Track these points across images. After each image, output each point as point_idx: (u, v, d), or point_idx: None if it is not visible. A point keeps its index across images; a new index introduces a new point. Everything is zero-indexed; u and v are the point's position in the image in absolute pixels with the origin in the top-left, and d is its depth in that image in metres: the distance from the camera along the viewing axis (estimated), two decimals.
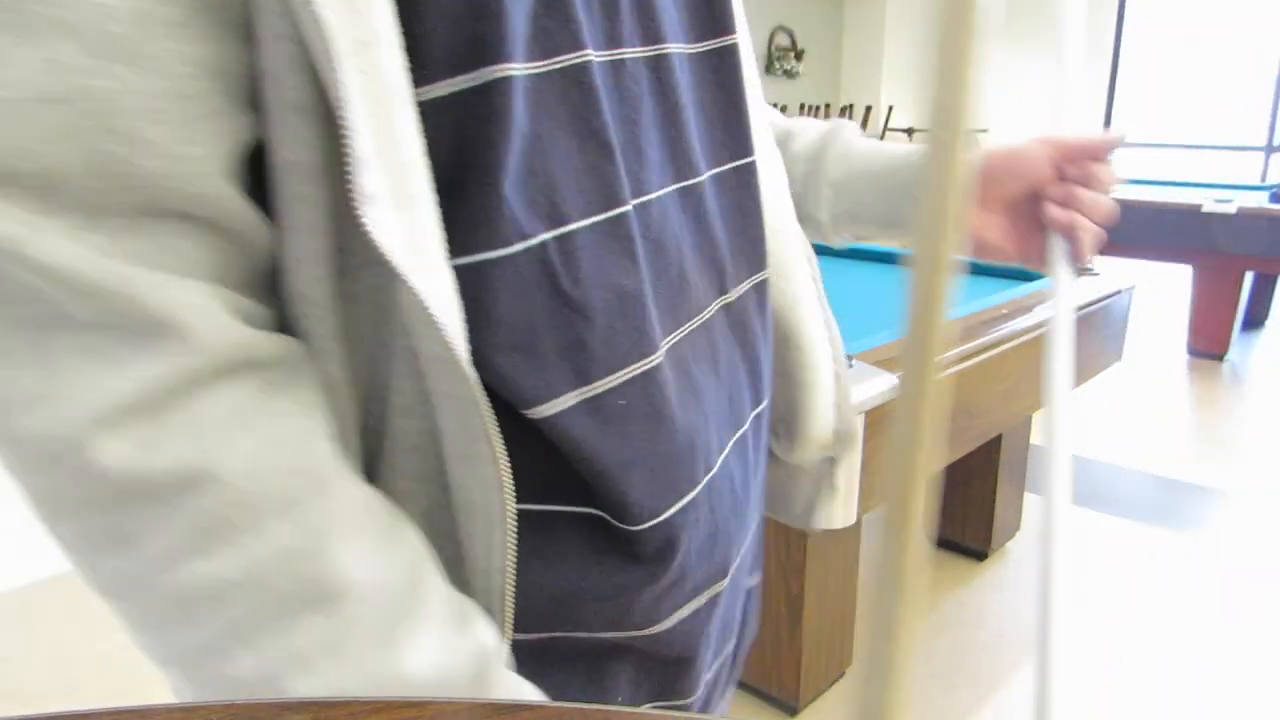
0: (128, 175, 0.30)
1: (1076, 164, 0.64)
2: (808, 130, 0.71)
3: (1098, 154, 0.64)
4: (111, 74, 0.29)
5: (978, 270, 2.41)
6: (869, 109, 7.78)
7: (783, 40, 7.39)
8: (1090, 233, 0.62)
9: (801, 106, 7.47)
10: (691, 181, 0.48)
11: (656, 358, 0.43)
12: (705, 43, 0.50)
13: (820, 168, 0.69)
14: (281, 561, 0.33)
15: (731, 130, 0.52)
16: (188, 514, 0.32)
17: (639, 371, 0.42)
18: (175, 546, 0.32)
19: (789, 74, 7.44)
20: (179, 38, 0.31)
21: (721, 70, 0.51)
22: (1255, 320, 4.64)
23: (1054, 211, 0.63)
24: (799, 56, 7.49)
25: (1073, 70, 0.64)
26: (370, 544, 0.36)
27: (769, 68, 7.25)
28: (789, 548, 1.63)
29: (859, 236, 0.71)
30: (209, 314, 0.33)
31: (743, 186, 0.52)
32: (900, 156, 0.68)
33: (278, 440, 0.34)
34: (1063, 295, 0.59)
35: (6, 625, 2.04)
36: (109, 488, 0.31)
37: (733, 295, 0.51)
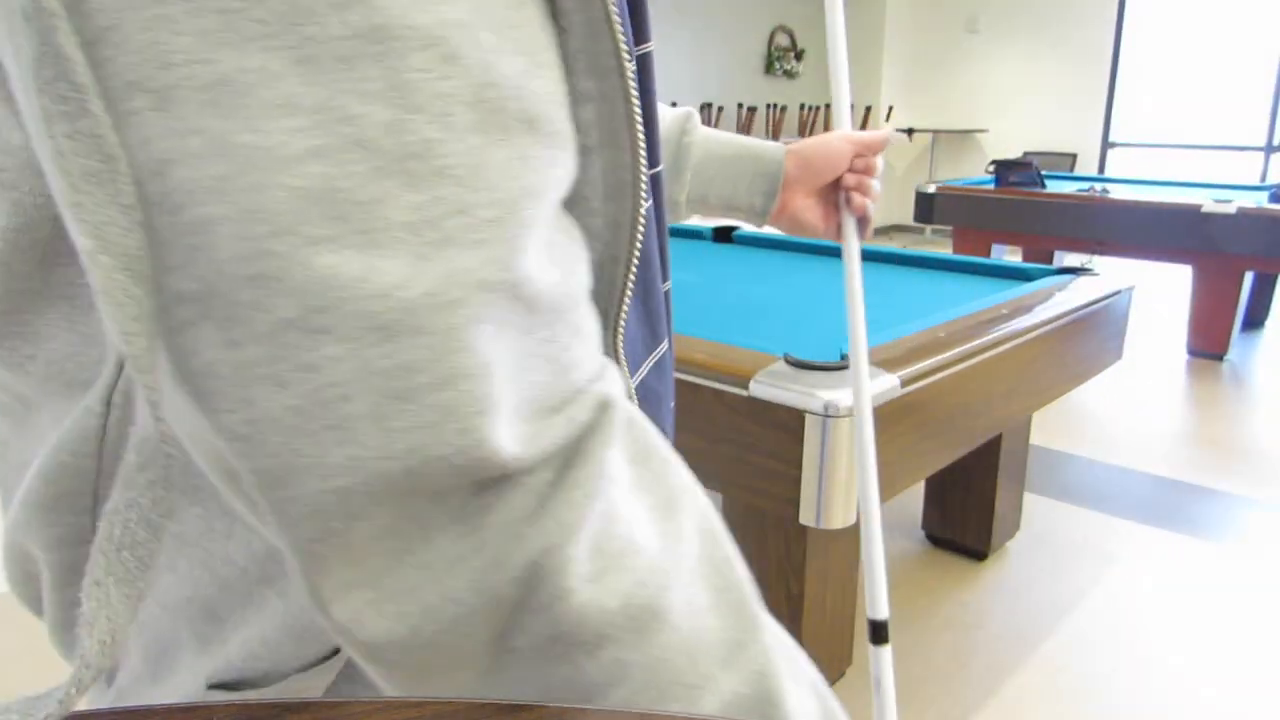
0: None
1: (863, 157, 0.79)
2: (664, 116, 0.76)
3: (878, 148, 0.79)
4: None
5: (978, 270, 2.41)
6: (869, 109, 7.78)
7: (783, 40, 7.38)
8: (872, 210, 0.81)
9: (801, 107, 7.47)
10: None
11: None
12: (639, 48, 0.52)
13: (681, 153, 0.77)
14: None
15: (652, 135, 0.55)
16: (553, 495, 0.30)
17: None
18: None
19: (789, 74, 7.43)
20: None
21: (644, 76, 0.53)
22: (1255, 320, 4.65)
23: (854, 196, 0.80)
24: (799, 56, 7.49)
25: (841, 73, 0.80)
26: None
27: (769, 68, 7.25)
28: (789, 547, 1.63)
29: (703, 216, 0.81)
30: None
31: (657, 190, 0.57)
32: (742, 144, 0.79)
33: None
34: (853, 260, 0.83)
35: (6, 625, 2.04)
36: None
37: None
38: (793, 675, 0.33)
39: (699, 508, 0.33)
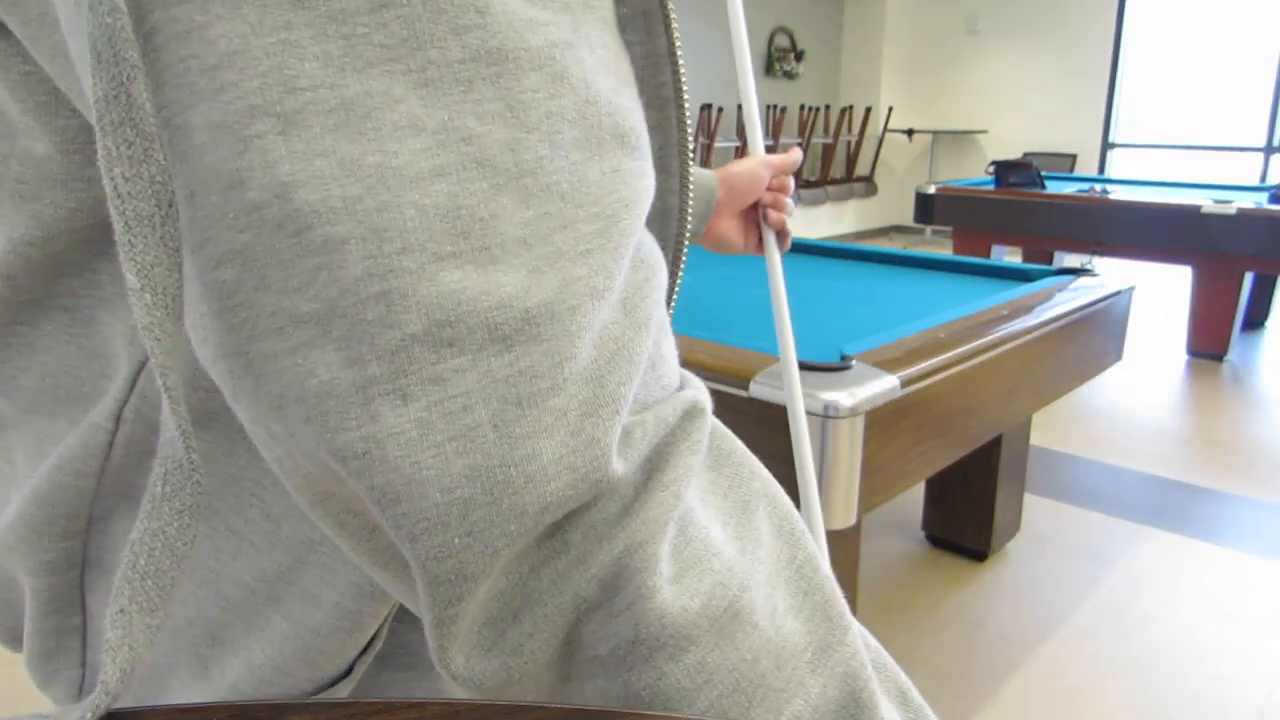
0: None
1: (778, 177, 0.90)
2: None
3: (790, 169, 0.89)
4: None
5: (978, 271, 2.41)
6: (869, 109, 7.78)
7: (783, 41, 7.38)
8: (789, 225, 0.92)
9: (801, 107, 7.47)
10: None
11: None
12: None
13: None
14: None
15: None
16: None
17: None
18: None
19: (789, 75, 7.43)
20: None
21: None
22: (1255, 321, 4.65)
23: (770, 213, 0.90)
24: (799, 57, 7.49)
25: (751, 100, 0.92)
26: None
27: (769, 68, 7.25)
28: None
29: None
30: None
31: None
32: None
33: None
34: (775, 270, 0.91)
35: None
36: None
37: None
38: (880, 682, 0.33)
39: (778, 511, 0.33)
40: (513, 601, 0.28)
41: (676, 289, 0.40)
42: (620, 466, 0.27)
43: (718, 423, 0.33)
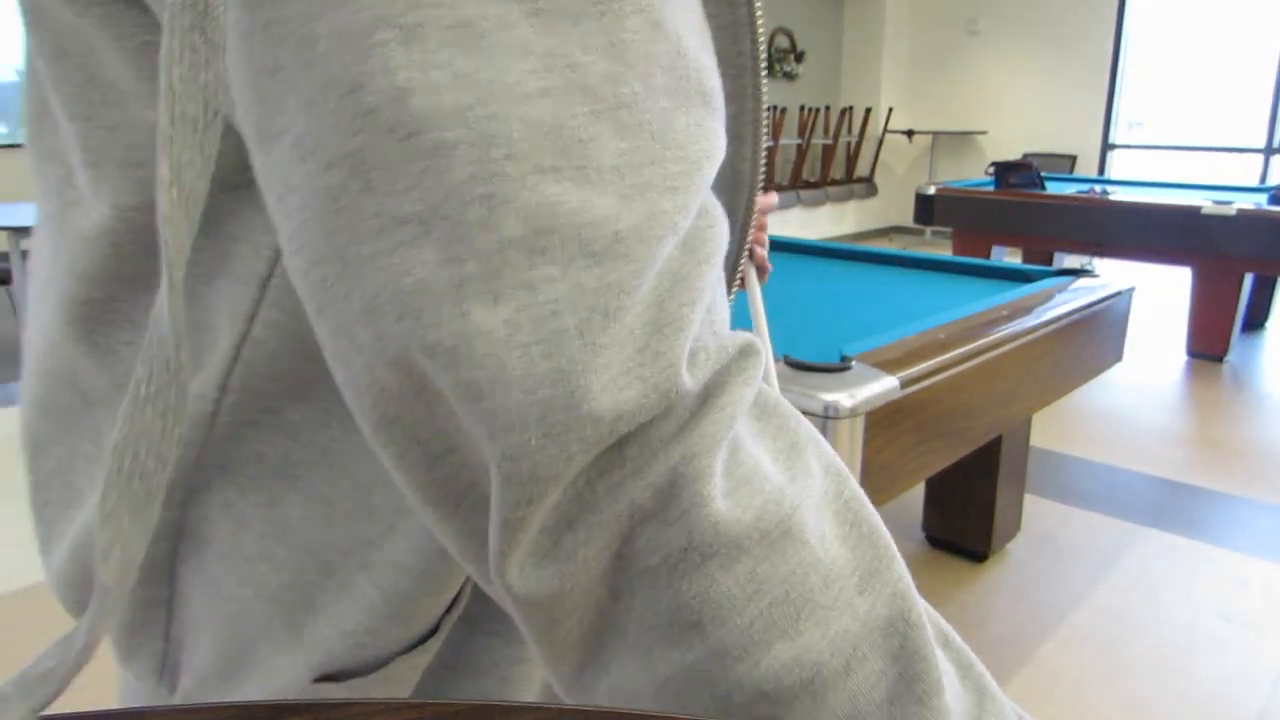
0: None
1: (758, 218, 0.95)
2: None
3: (768, 210, 0.89)
4: None
5: (978, 272, 2.41)
6: (869, 110, 7.78)
7: (782, 42, 7.39)
8: (768, 263, 0.97)
9: (801, 108, 7.47)
10: None
11: None
12: None
13: None
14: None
15: None
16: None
17: None
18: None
19: (789, 75, 7.44)
20: None
21: None
22: (1255, 322, 4.65)
23: (755, 249, 0.94)
24: (799, 58, 7.50)
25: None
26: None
27: (769, 70, 7.24)
28: None
29: None
30: None
31: None
32: None
33: None
34: (756, 301, 0.97)
35: (6, 625, 2.04)
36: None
37: None
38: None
39: (825, 453, 0.34)
40: (568, 511, 0.28)
41: (742, 255, 0.41)
42: (689, 381, 0.29)
43: (762, 383, 0.34)
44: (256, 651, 0.41)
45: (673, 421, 0.29)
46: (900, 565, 0.33)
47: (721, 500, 0.29)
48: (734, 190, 0.39)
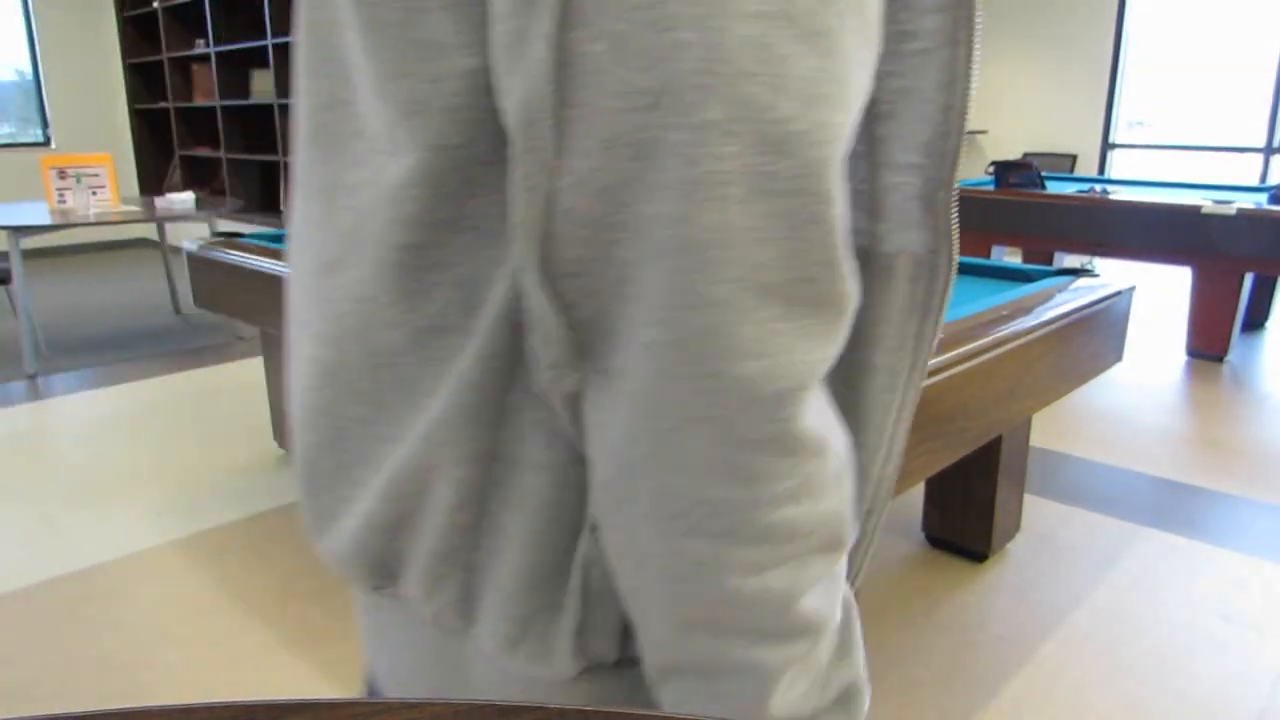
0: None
1: None
2: None
3: None
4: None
5: (978, 271, 2.41)
6: None
7: None
8: None
9: None
10: None
11: None
12: None
13: None
14: (839, 518, 0.40)
15: None
16: (804, 472, 0.38)
17: None
18: (786, 492, 0.38)
19: None
20: None
21: None
22: (1255, 322, 4.65)
23: None
24: None
25: None
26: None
27: None
28: None
29: None
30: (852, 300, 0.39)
31: None
32: None
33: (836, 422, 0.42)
34: None
35: (6, 625, 2.04)
36: (783, 436, 0.36)
37: None
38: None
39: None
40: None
41: (961, 142, 0.44)
42: (849, 275, 0.38)
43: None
44: (575, 555, 0.44)
45: (832, 326, 0.38)
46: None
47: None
48: (951, 88, 0.43)
